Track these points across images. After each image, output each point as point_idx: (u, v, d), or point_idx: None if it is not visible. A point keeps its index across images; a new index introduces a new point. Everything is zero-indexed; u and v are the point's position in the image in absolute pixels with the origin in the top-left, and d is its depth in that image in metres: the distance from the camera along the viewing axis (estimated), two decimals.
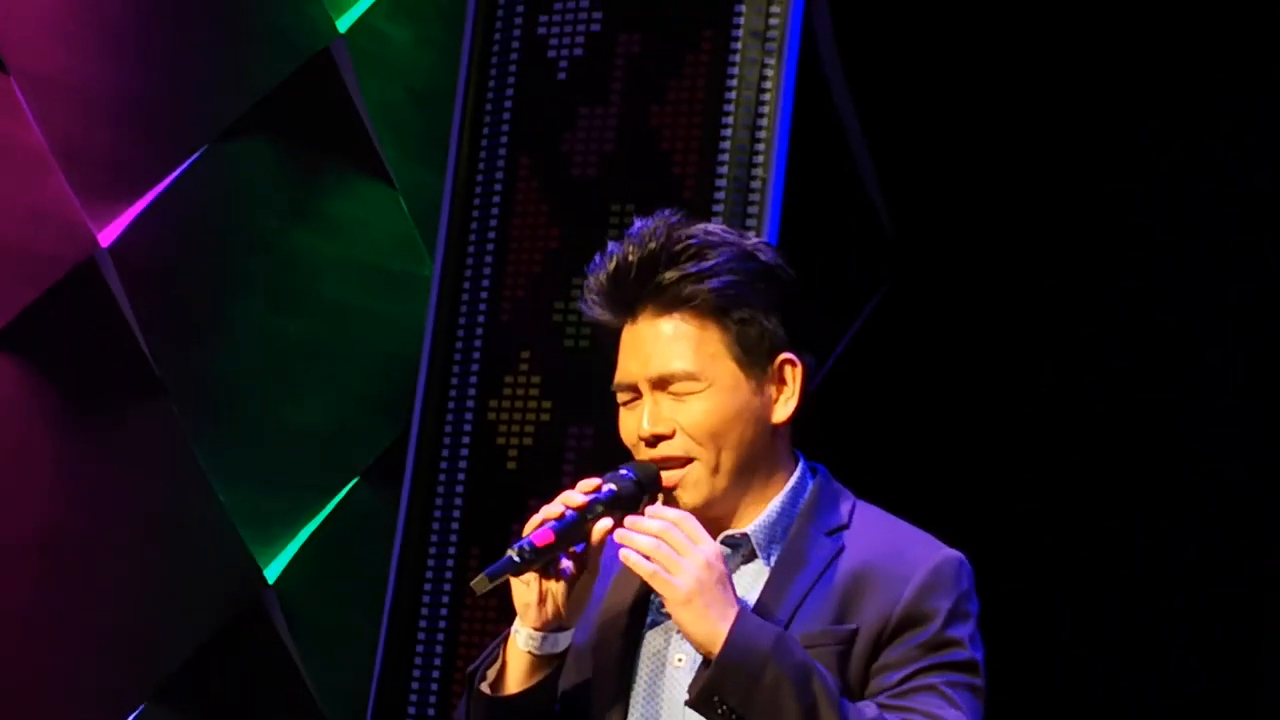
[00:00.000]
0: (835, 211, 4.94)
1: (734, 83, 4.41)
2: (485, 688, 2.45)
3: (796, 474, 2.52)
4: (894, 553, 2.45)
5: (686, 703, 2.35)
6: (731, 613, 2.33)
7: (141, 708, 4.61)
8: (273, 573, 4.86)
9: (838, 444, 4.80)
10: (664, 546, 2.34)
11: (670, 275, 2.45)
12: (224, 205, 4.78)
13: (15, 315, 4.37)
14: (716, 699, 2.31)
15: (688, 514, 2.39)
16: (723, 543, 2.46)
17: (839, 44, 4.89)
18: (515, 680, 2.43)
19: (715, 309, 2.46)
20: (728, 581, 2.35)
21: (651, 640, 2.48)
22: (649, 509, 2.40)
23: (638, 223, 2.50)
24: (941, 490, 4.84)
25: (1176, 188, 4.90)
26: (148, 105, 4.61)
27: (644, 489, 2.44)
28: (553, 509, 2.39)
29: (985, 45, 4.98)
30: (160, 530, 4.64)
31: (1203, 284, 4.88)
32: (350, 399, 5.02)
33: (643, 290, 2.47)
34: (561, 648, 2.43)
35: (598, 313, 2.51)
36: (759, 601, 2.43)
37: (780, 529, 2.48)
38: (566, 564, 2.41)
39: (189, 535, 4.70)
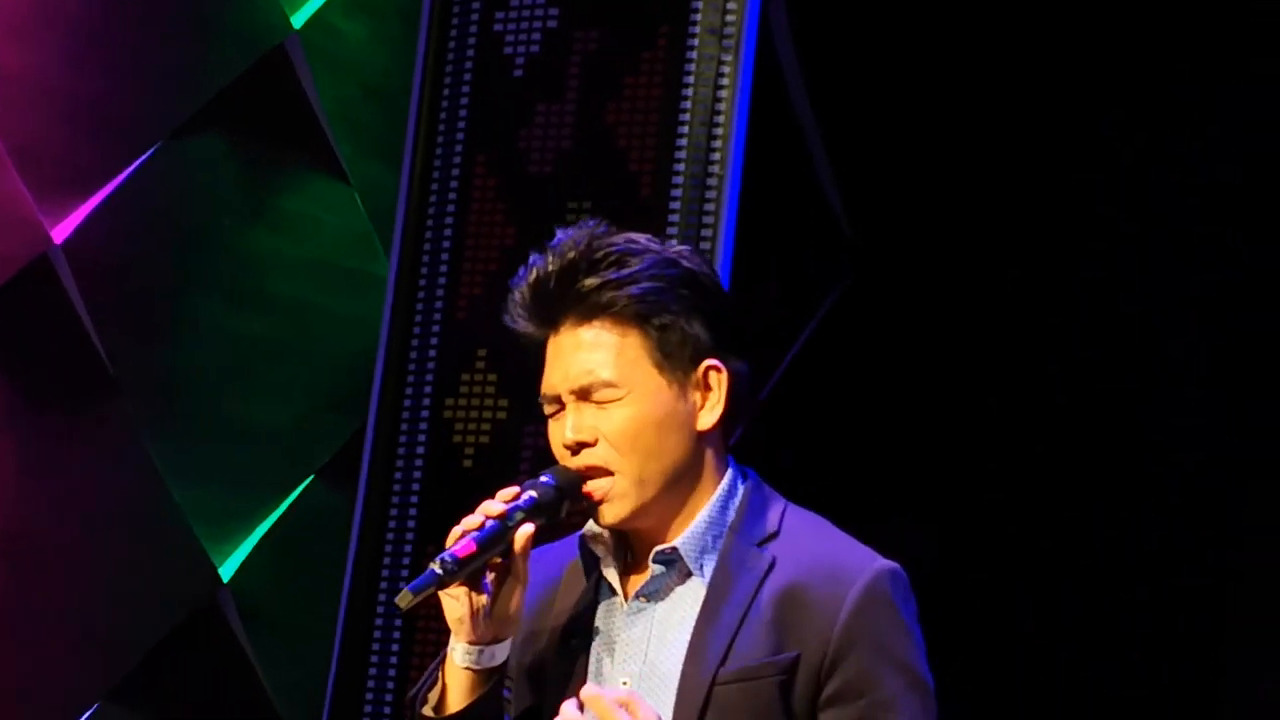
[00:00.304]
0: (792, 208, 4.93)
1: (691, 79, 4.41)
2: (428, 711, 2.44)
3: (725, 481, 2.49)
4: (825, 569, 2.42)
5: None
6: None
7: (96, 706, 4.60)
8: (228, 571, 4.84)
9: (799, 440, 4.86)
10: None
11: (590, 282, 2.45)
12: (179, 202, 4.76)
13: None
14: None
15: (631, 697, 2.35)
16: (654, 559, 2.45)
17: (796, 41, 4.88)
18: (456, 699, 2.41)
19: (635, 315, 2.45)
20: None
21: (598, 660, 2.48)
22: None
23: (559, 234, 2.50)
24: (905, 482, 4.86)
25: (1138, 179, 4.91)
26: (102, 101, 4.59)
27: (565, 494, 2.43)
28: (472, 520, 2.38)
29: (944, 38, 4.99)
30: (115, 529, 4.62)
31: (1165, 275, 4.89)
32: (306, 397, 5.01)
33: (564, 300, 2.47)
34: (499, 660, 2.42)
35: (521, 325, 2.52)
36: (694, 633, 2.41)
37: (710, 538, 2.46)
38: (491, 575, 2.40)
39: (144, 534, 4.69)
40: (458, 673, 2.41)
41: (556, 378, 2.47)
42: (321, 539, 4.92)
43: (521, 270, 2.52)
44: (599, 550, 2.50)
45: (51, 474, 4.51)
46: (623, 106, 4.44)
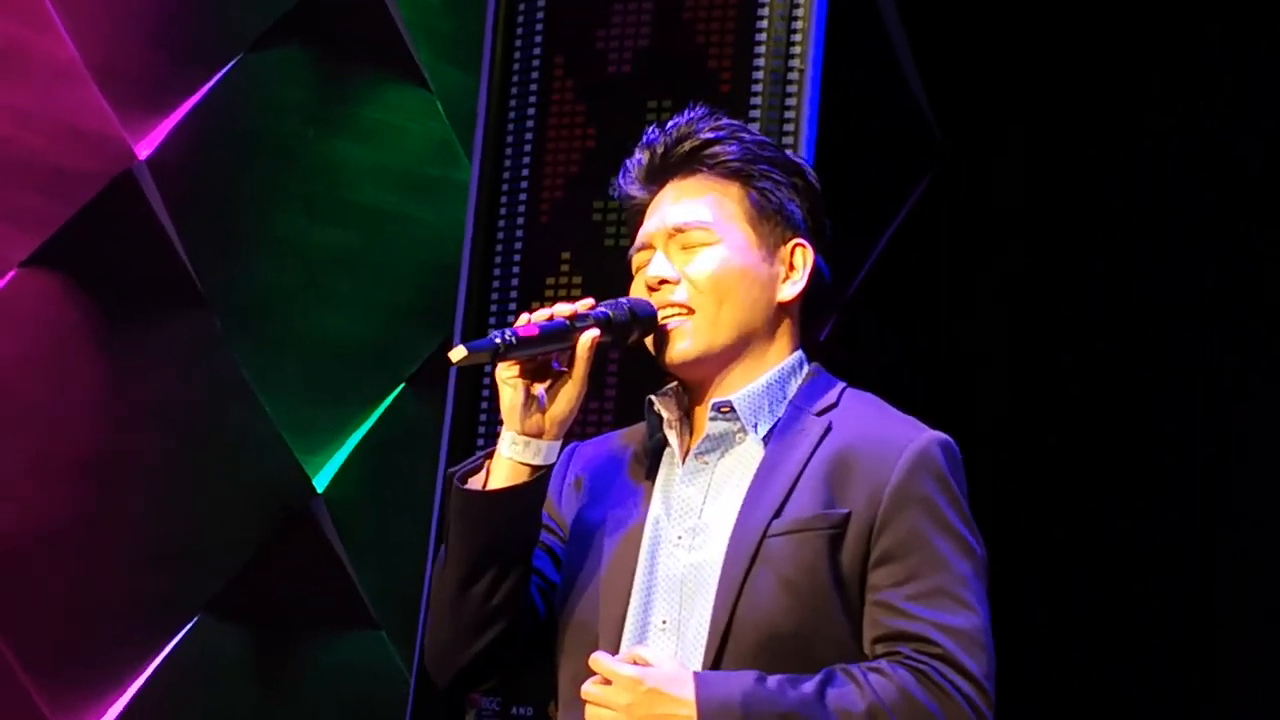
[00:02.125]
0: (875, 102, 4.92)
1: None
2: (464, 486, 2.47)
3: (792, 358, 2.55)
4: (879, 435, 2.47)
5: None
6: (689, 712, 2.33)
7: (196, 619, 4.66)
8: (321, 481, 4.90)
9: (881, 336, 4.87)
10: (599, 715, 2.36)
11: (700, 140, 2.55)
12: (259, 115, 4.79)
13: (54, 232, 4.39)
14: None
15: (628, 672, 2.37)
16: (711, 415, 2.49)
17: None
18: (497, 482, 2.44)
19: (738, 172, 2.54)
20: (665, 687, 2.34)
21: (655, 518, 2.51)
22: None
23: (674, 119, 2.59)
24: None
25: (1155, 171, 4.89)
26: (181, 16, 4.62)
27: (637, 320, 2.48)
28: (542, 312, 2.43)
29: None
30: (208, 443, 4.68)
31: (1179, 266, 4.86)
32: (393, 306, 5.05)
33: (674, 159, 2.55)
34: (544, 460, 2.45)
35: (629, 188, 2.59)
36: (750, 489, 2.44)
37: (768, 403, 2.51)
38: (548, 382, 2.44)
39: (237, 447, 4.74)
40: (503, 462, 2.44)
41: (653, 223, 2.55)
42: (412, 447, 4.96)
43: (636, 147, 2.60)
44: (664, 410, 2.53)
45: (142, 389, 4.55)
46: (700, 2, 4.41)
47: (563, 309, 2.44)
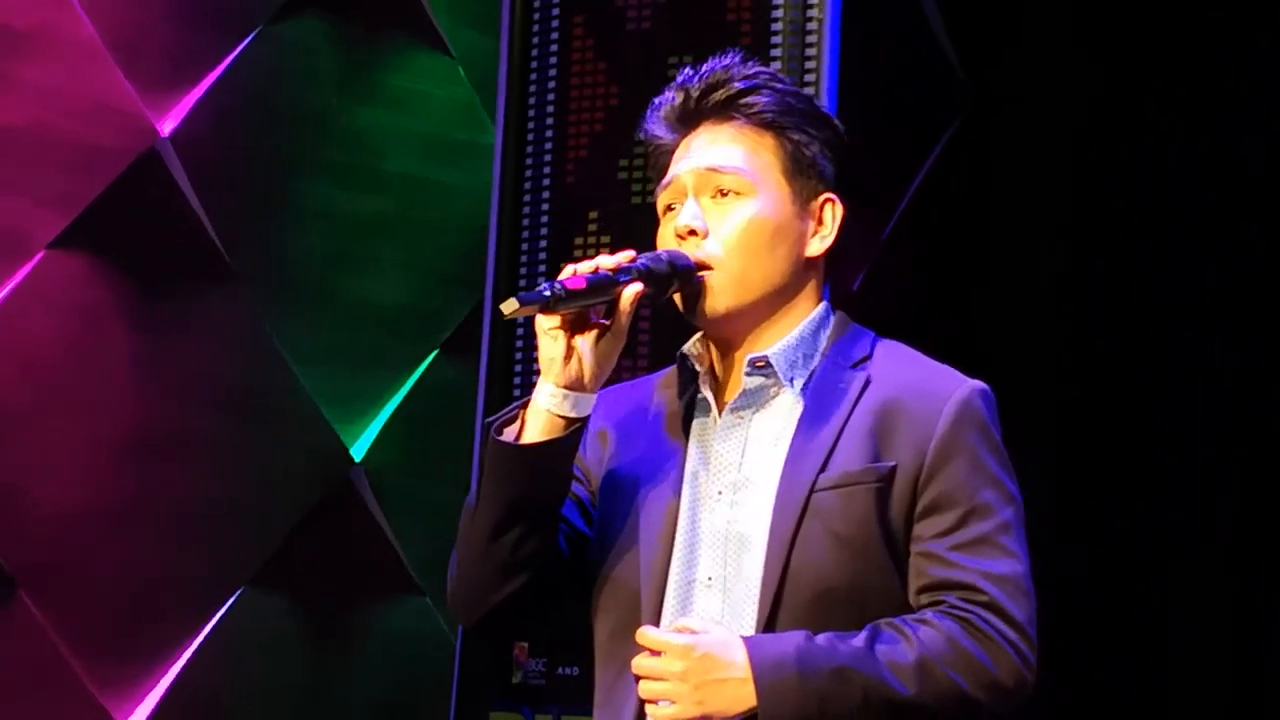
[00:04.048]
0: (898, 50, 4.91)
1: None
2: (499, 437, 2.47)
3: (820, 309, 2.54)
4: (920, 387, 2.47)
5: None
6: (744, 673, 2.34)
7: (241, 590, 4.69)
8: (359, 450, 4.92)
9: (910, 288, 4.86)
10: (651, 686, 2.36)
11: (736, 88, 2.52)
12: (281, 86, 4.80)
13: (81, 211, 4.42)
14: None
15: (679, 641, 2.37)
16: (747, 370, 2.49)
17: None
18: (532, 434, 2.44)
19: (774, 124, 2.51)
20: (718, 652, 2.35)
21: (693, 472, 2.51)
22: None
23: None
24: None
25: (1156, 172, 4.88)
26: None
27: (676, 274, 2.46)
28: (585, 265, 2.43)
29: None
30: (243, 415, 4.70)
31: (1180, 266, 4.84)
32: (423, 272, 5.06)
33: (708, 103, 2.53)
34: (580, 412, 2.44)
35: (656, 128, 2.57)
36: (793, 443, 2.45)
37: (802, 355, 2.50)
38: (592, 333, 2.44)
39: (273, 419, 4.76)
40: (539, 413, 2.43)
41: (684, 164, 2.52)
42: (448, 412, 4.97)
43: (668, 88, 2.58)
44: (697, 364, 2.53)
45: (174, 365, 4.58)
46: None
47: (606, 261, 2.44)
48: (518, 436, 2.45)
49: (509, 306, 2.38)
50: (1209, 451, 4.81)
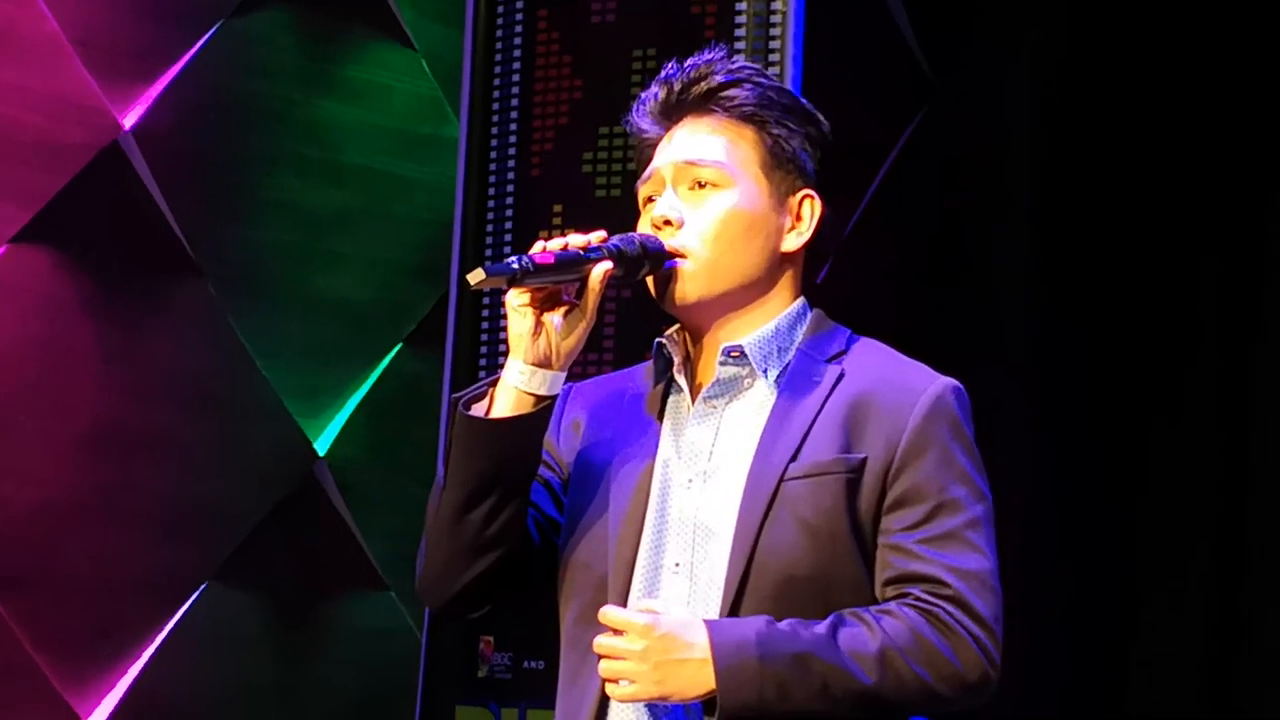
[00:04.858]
0: (860, 45, 4.92)
1: None
2: (467, 412, 2.48)
3: (796, 305, 2.55)
4: (894, 381, 2.48)
5: None
6: (703, 655, 2.35)
7: (204, 585, 4.71)
8: (323, 445, 4.95)
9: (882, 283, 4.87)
10: (611, 664, 2.37)
11: (717, 81, 2.55)
12: (244, 80, 4.83)
13: (44, 205, 4.44)
14: None
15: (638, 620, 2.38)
16: (721, 359, 2.51)
17: None
18: (501, 410, 2.45)
19: (754, 118, 2.53)
20: (678, 632, 2.36)
21: (664, 460, 2.52)
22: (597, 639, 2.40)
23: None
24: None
25: (1114, 160, 4.91)
26: None
27: (648, 256, 2.48)
28: (556, 242, 2.44)
29: None
30: (207, 410, 4.72)
31: (1139, 254, 4.88)
32: (388, 266, 5.09)
33: (690, 97, 2.55)
34: (548, 390, 2.46)
35: (641, 122, 2.59)
36: (765, 432, 2.46)
37: (777, 348, 2.52)
38: (561, 309, 2.46)
39: (237, 413, 4.78)
40: (508, 390, 2.45)
41: (664, 156, 2.55)
42: (413, 406, 5.00)
43: (651, 82, 2.61)
44: (673, 352, 2.55)
45: (137, 360, 4.59)
46: None
47: (577, 239, 2.45)
48: (487, 412, 2.46)
49: (475, 276, 2.38)
50: (1177, 438, 4.85)
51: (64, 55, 4.45)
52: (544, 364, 2.45)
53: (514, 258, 2.39)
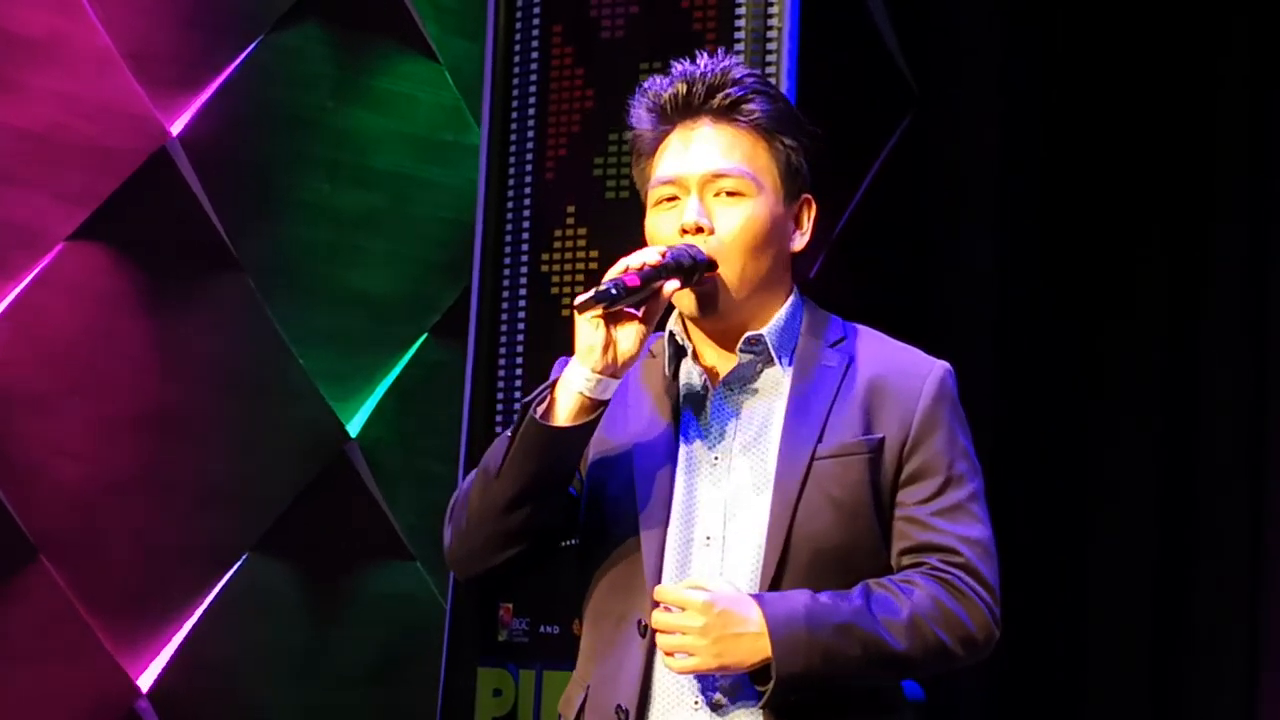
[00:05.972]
0: (850, 61, 4.95)
1: None
2: (539, 418, 2.50)
3: (794, 296, 2.64)
4: (899, 366, 2.58)
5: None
6: (758, 628, 2.43)
7: (245, 556, 4.78)
8: (354, 427, 5.02)
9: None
10: (674, 639, 2.44)
11: (735, 93, 2.56)
12: (281, 90, 4.85)
13: (98, 207, 4.49)
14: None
15: (692, 596, 2.44)
16: (742, 347, 2.57)
17: None
18: (564, 415, 2.49)
19: (771, 131, 2.57)
20: (734, 608, 2.43)
21: (689, 445, 2.58)
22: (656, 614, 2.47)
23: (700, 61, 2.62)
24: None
25: (1088, 165, 4.89)
26: (205, 2, 4.67)
27: (696, 266, 2.52)
28: (634, 261, 2.48)
29: None
30: (248, 395, 4.75)
31: (1110, 255, 4.89)
32: (413, 262, 5.10)
33: (708, 101, 2.56)
34: (608, 395, 2.50)
35: (648, 118, 2.59)
36: (788, 415, 2.54)
37: (789, 335, 2.59)
38: (624, 322, 2.50)
39: (275, 398, 4.81)
40: (572, 395, 2.49)
41: (687, 164, 2.56)
42: (438, 391, 5.02)
43: (662, 78, 2.60)
44: (688, 342, 2.60)
45: (183, 348, 4.62)
46: None
47: (650, 257, 2.48)
48: (548, 415, 2.50)
49: (585, 306, 2.44)
50: (1142, 424, 4.91)
51: (116, 67, 4.49)
52: (609, 372, 2.48)
53: (610, 282, 2.44)
